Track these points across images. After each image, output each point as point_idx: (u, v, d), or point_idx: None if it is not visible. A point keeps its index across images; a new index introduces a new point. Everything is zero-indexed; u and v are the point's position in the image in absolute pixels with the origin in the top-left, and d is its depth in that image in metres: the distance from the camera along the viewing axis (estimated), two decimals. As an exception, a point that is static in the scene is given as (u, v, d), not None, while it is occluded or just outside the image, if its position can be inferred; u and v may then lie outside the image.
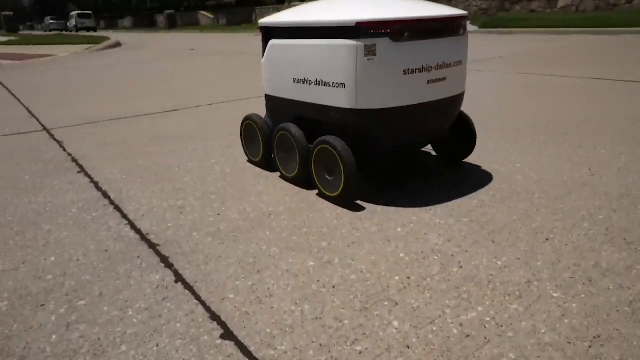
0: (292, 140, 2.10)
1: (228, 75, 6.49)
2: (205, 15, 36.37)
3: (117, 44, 14.39)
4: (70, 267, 1.51)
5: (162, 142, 3.02)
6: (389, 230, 1.69)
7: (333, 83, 1.90)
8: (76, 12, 42.88)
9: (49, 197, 2.15)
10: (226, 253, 1.57)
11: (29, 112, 4.25)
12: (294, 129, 2.09)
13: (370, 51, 1.78)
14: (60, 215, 1.93)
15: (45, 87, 5.84)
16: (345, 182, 1.89)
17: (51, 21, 48.74)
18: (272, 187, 2.17)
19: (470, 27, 12.82)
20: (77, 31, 38.61)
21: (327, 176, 1.99)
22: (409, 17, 1.82)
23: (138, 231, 1.75)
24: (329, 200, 1.98)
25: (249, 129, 2.47)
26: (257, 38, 17.65)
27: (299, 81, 2.06)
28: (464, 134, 2.34)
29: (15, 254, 1.62)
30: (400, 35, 1.80)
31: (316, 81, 1.98)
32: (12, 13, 31.06)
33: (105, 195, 2.15)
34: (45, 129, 3.55)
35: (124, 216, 1.89)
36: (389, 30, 1.78)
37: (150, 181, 2.30)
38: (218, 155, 2.69)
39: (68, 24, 44.36)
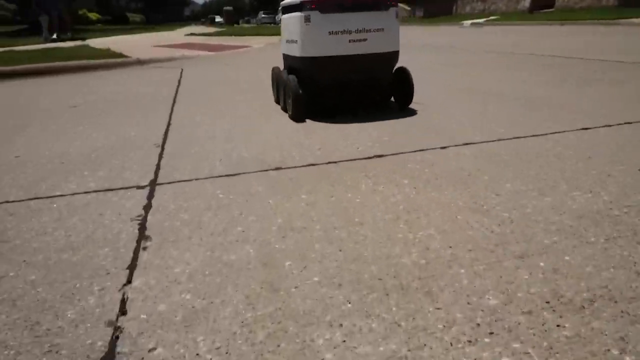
0: (279, 80, 3.54)
1: (452, 73, 4.72)
2: (400, 8, 34.80)
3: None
4: None
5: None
6: (315, 129, 2.87)
7: (294, 40, 3.10)
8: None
9: None
10: None
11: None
12: (279, 71, 3.64)
13: (307, 19, 2.94)
14: None
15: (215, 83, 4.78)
16: (292, 104, 3.10)
17: (263, 15, 52.46)
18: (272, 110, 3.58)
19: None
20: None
21: (287, 100, 3.23)
22: None
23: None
24: (290, 118, 3.19)
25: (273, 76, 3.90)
26: (464, 30, 15.56)
27: (287, 41, 3.29)
28: (404, 87, 3.29)
29: None
30: (325, 9, 2.94)
31: (289, 40, 3.20)
32: (231, 8, 33.67)
33: None
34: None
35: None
36: (314, 6, 2.93)
37: None
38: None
39: (276, 17, 47.13)
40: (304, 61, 3.04)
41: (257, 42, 11.33)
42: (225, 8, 33.72)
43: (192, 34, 13.23)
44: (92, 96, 4.61)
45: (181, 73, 6.44)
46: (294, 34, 3.07)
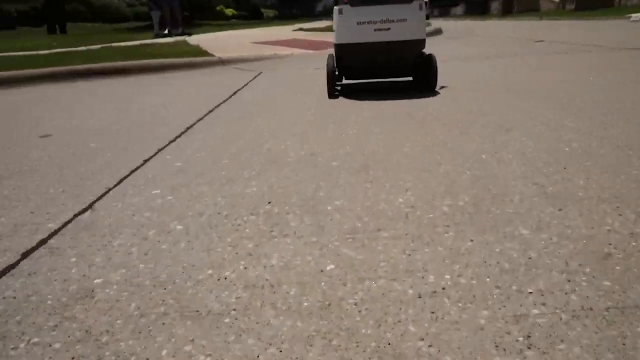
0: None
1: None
2: (547, 0, 30.33)
3: (438, 31, 11.48)
4: None
5: None
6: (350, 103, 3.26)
7: (334, 30, 3.52)
8: (414, 0, 42.61)
9: None
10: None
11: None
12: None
13: (340, 11, 3.39)
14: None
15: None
16: (327, 80, 3.60)
17: (392, 10, 50.45)
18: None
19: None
20: (410, 19, 38.11)
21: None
22: None
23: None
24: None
25: None
26: (636, 26, 12.14)
27: (333, 31, 3.60)
28: (428, 71, 3.57)
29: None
30: (355, 3, 3.36)
31: (333, 30, 3.55)
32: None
33: None
34: None
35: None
36: (346, 1, 3.38)
37: None
38: None
39: (405, 12, 44.77)
40: (339, 47, 3.52)
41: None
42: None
43: (300, 29, 11.93)
44: (80, 121, 3.37)
45: (254, 78, 5.04)
46: (334, 25, 3.52)
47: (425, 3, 3.42)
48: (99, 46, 8.83)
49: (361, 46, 3.41)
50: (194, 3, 35.04)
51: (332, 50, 3.71)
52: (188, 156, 2.27)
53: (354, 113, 3.04)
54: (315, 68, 5.65)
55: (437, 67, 3.52)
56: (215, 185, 1.85)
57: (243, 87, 4.46)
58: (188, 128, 2.85)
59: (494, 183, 1.70)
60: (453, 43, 8.84)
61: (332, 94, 3.61)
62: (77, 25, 18.42)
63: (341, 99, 3.58)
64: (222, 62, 6.61)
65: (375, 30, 3.36)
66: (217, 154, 2.27)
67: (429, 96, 3.45)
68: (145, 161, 2.23)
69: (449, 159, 1.99)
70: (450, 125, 2.59)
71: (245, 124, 2.89)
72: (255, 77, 5.14)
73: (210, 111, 3.34)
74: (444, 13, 48.66)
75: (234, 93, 4.09)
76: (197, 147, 2.42)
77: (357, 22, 3.37)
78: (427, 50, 3.57)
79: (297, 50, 7.70)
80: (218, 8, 41.18)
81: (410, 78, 3.85)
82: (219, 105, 3.57)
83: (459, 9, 46.91)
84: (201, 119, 3.09)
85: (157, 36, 11.34)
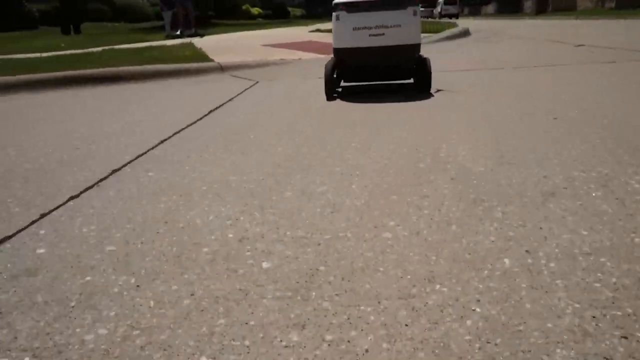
0: None
1: None
2: (585, -2, 28.69)
3: (465, 33, 10.56)
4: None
5: None
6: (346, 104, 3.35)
7: (332, 33, 3.68)
8: (444, -1, 41.36)
9: None
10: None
11: None
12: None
13: (337, 17, 3.52)
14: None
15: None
16: (325, 82, 3.67)
17: (421, 9, 49.02)
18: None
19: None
20: (440, 18, 36.97)
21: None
22: (358, 0, 3.51)
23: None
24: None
25: None
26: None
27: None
28: (422, 74, 3.65)
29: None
30: (351, 9, 3.48)
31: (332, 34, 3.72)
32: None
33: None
34: None
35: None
36: (343, 7, 3.50)
37: None
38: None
39: (434, 10, 43.48)
40: (336, 51, 3.66)
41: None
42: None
43: (317, 30, 11.22)
44: None
45: (244, 91, 4.37)
46: (332, 30, 3.68)
47: (420, 10, 3.63)
48: (101, 49, 8.34)
49: (357, 50, 3.56)
50: (218, 2, 34.78)
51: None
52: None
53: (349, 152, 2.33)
54: (319, 77, 4.95)
55: (430, 70, 3.65)
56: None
57: (227, 102, 3.78)
58: (99, 182, 2.19)
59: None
60: (481, 47, 7.97)
61: (330, 96, 3.72)
62: (98, 25, 18.22)
63: (337, 130, 2.87)
64: (221, 68, 5.97)
65: (370, 35, 3.51)
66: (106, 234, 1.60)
67: (453, 137, 2.70)
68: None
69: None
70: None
71: (186, 175, 2.21)
72: (246, 89, 4.46)
73: (152, 148, 2.67)
74: (475, 12, 47.06)
75: (208, 113, 3.41)
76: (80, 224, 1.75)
77: (353, 28, 3.53)
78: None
79: (306, 55, 7.00)
80: (244, 7, 40.86)
81: (411, 80, 3.98)
82: (179, 131, 2.90)
83: (490, 8, 45.27)
84: (131, 161, 2.41)
85: (168, 37, 10.84)
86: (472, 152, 2.16)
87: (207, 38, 10.62)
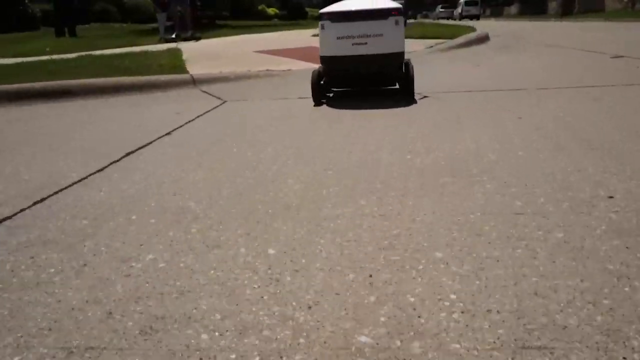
0: None
1: None
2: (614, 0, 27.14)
3: (483, 39, 9.50)
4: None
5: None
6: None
7: (319, 41, 3.74)
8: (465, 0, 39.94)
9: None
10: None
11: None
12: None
13: (322, 26, 3.62)
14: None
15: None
16: (311, 88, 3.73)
17: (441, 9, 47.51)
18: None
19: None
20: (460, 19, 35.67)
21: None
22: (341, 10, 3.60)
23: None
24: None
25: None
26: None
27: None
28: (405, 79, 3.71)
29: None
30: (335, 19, 3.56)
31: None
32: (401, 1, 30.05)
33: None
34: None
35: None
36: (327, 17, 3.58)
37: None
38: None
39: (454, 11, 42.04)
40: (322, 59, 3.73)
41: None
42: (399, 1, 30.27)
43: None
44: None
45: (205, 114, 3.51)
46: (319, 38, 3.74)
47: (405, 20, 3.78)
48: (77, 54, 7.61)
49: (341, 59, 3.64)
50: (235, 2, 34.14)
51: None
52: None
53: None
54: (299, 97, 4.07)
55: (413, 75, 3.72)
56: None
57: (155, 140, 2.88)
58: None
59: None
60: (501, 57, 6.97)
61: (317, 101, 3.79)
62: (104, 26, 17.67)
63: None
64: (193, 81, 5.11)
65: (353, 44, 3.57)
66: None
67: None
68: None
69: None
70: None
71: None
72: (200, 116, 3.56)
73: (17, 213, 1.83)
74: (497, 13, 45.51)
75: (108, 165, 2.50)
76: None
77: (337, 37, 3.60)
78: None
79: (298, 64, 6.11)
80: (259, 7, 40.18)
81: (397, 86, 4.00)
82: (64, 189, 2.07)
83: (512, 9, 43.72)
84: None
85: (161, 40, 10.08)
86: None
87: (202, 42, 9.81)
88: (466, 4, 38.86)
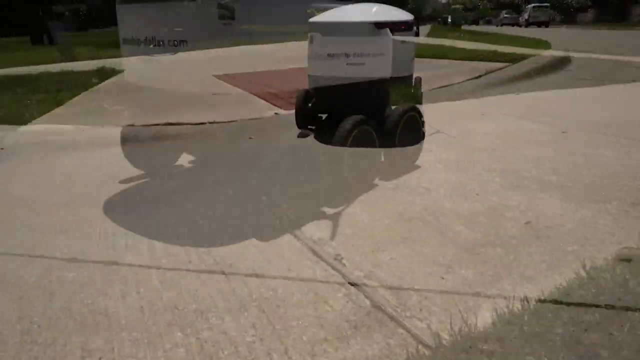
0: None
1: None
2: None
3: (559, 63, 6.75)
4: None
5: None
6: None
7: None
8: (533, 4, 36.18)
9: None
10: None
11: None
12: None
13: (311, 39, 2.70)
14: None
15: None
16: (295, 111, 3.08)
17: (505, 15, 43.70)
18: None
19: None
20: (526, 26, 32.09)
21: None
22: (332, 21, 2.67)
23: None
24: None
25: None
26: None
27: None
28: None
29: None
30: (326, 31, 2.64)
31: None
32: (459, 7, 26.92)
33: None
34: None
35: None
36: (317, 28, 2.65)
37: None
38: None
39: (520, 18, 38.22)
40: (309, 78, 3.04)
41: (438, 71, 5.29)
42: (453, 6, 27.04)
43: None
44: None
45: None
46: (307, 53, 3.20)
47: (416, 33, 2.91)
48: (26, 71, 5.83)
49: (332, 80, 2.81)
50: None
51: None
52: None
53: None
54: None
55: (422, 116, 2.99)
56: None
57: None
58: None
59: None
60: (591, 104, 4.37)
61: (301, 127, 3.06)
62: (103, 32, 16.61)
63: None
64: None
65: (348, 64, 2.70)
66: None
67: None
68: None
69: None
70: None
71: None
72: None
73: None
74: (568, 20, 41.02)
75: None
76: None
77: (328, 54, 2.76)
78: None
79: (257, 104, 3.87)
80: (309, 11, 38.45)
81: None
82: None
83: (588, 15, 39.24)
84: None
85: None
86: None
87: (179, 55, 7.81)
88: (535, 9, 35.15)
